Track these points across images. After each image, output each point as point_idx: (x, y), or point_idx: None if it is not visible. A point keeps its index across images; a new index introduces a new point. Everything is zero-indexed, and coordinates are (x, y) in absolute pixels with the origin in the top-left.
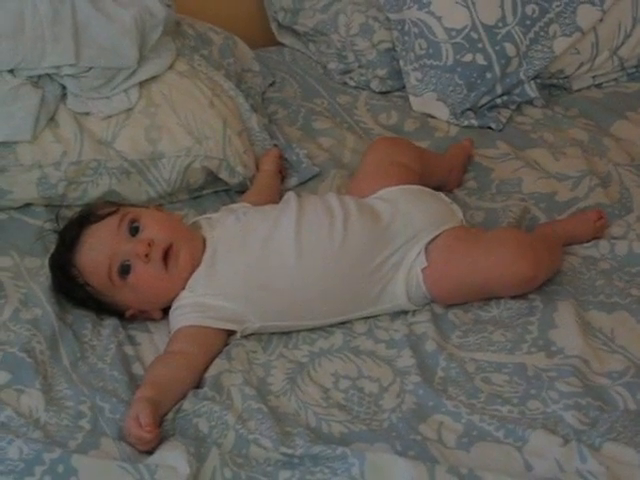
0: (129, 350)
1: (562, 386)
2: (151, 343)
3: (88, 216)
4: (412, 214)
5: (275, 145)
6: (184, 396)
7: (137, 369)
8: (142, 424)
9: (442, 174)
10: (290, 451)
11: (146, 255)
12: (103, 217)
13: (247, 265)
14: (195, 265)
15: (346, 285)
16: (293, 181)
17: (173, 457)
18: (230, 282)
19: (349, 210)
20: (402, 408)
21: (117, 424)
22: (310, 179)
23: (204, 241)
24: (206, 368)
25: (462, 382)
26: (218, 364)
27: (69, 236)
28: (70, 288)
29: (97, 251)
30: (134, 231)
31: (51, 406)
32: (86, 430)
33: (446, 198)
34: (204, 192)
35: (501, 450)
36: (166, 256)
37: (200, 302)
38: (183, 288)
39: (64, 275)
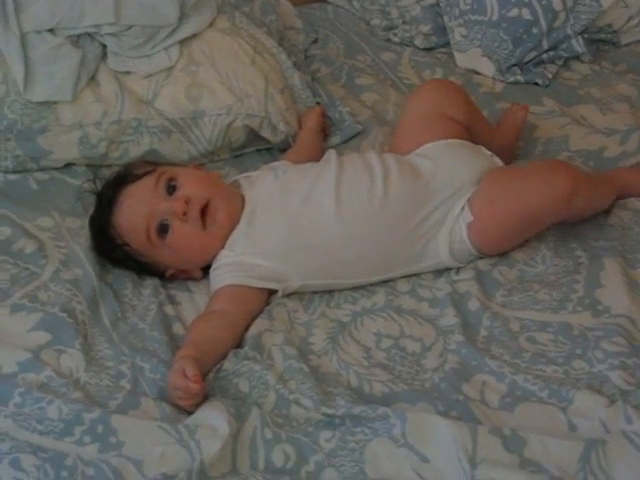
0: (170, 310)
1: (608, 346)
2: (192, 303)
3: (125, 176)
4: (454, 170)
5: (318, 103)
6: (225, 356)
7: (178, 329)
8: (189, 375)
9: (492, 147)
10: (331, 411)
11: (184, 213)
12: (140, 177)
13: (286, 223)
14: (234, 223)
15: (387, 243)
16: (336, 139)
17: (213, 417)
18: (269, 240)
19: (389, 168)
20: (445, 368)
21: (157, 384)
22: (353, 137)
23: (243, 199)
24: (247, 328)
25: (506, 341)
26: (259, 324)
27: (107, 197)
28: (109, 249)
29: (135, 211)
30: (171, 190)
31: (91, 366)
32: (126, 390)
33: (487, 152)
34: (245, 150)
35: (545, 411)
36: (204, 214)
37: (240, 261)
38: (222, 247)
39: (103, 236)
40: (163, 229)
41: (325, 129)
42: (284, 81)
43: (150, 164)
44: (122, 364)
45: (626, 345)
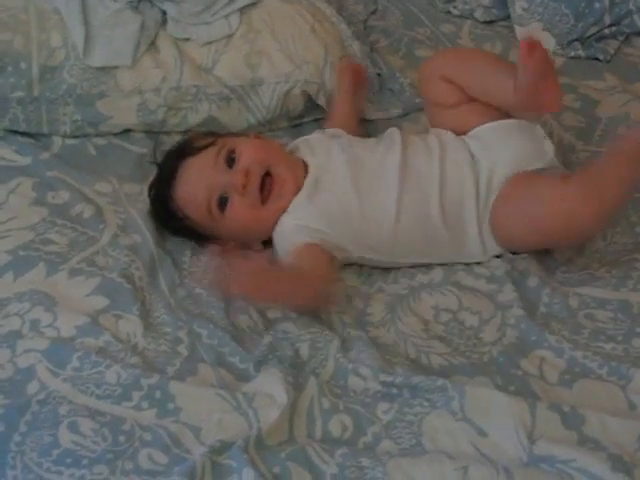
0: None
1: None
2: None
3: (185, 149)
4: (497, 155)
5: (378, 74)
6: None
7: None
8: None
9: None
10: (390, 379)
11: (243, 186)
12: (201, 149)
13: (352, 198)
14: (297, 191)
15: (440, 231)
16: (398, 110)
17: (271, 385)
18: (334, 211)
19: (447, 152)
20: (503, 342)
21: (215, 350)
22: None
23: (305, 166)
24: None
25: (565, 317)
26: None
27: (167, 170)
28: (170, 221)
29: (195, 184)
30: (231, 162)
31: (149, 332)
32: (184, 356)
33: (541, 132)
34: (304, 120)
35: (604, 388)
36: (264, 185)
37: (303, 225)
38: (285, 213)
39: (163, 209)
40: (223, 202)
41: (363, 86)
42: (343, 50)
43: (211, 135)
44: (179, 330)
45: None
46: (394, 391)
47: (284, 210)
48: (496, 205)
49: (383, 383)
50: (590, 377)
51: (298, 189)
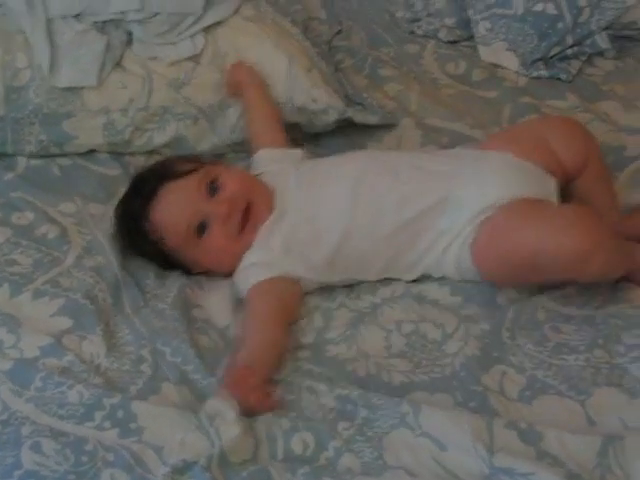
0: (191, 294)
1: (628, 339)
2: (216, 290)
3: (167, 172)
4: (485, 186)
5: (346, 96)
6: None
7: (197, 313)
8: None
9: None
10: (345, 392)
11: (227, 216)
12: (183, 174)
13: (308, 222)
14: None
15: (395, 245)
16: (373, 119)
17: (225, 407)
18: (289, 240)
19: (412, 185)
20: (466, 353)
21: (178, 368)
22: (375, 128)
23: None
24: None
25: (530, 330)
26: None
27: (146, 189)
28: (140, 242)
29: (177, 209)
30: (213, 190)
31: (112, 352)
32: (147, 375)
33: (551, 185)
34: None
35: (563, 404)
36: (244, 218)
37: (264, 261)
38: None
39: (136, 228)
40: (201, 229)
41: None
42: (309, 61)
43: (191, 161)
44: (143, 348)
45: None
46: (349, 407)
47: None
48: (482, 230)
49: (338, 397)
50: (549, 393)
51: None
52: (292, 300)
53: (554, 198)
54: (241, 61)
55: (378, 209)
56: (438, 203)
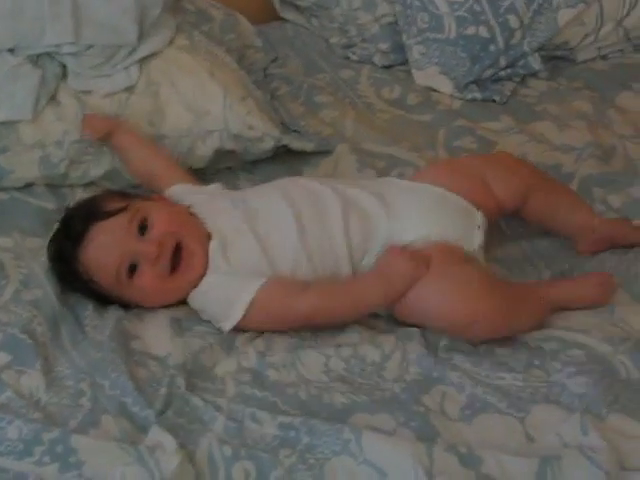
0: (129, 326)
1: (565, 358)
2: (154, 319)
3: (96, 211)
4: (406, 221)
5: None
6: None
7: (136, 345)
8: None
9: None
10: (288, 420)
11: (156, 257)
12: (112, 214)
13: (257, 245)
14: (206, 266)
15: (338, 273)
16: (309, 146)
17: (162, 434)
18: (243, 266)
19: (348, 206)
20: (405, 379)
21: (117, 400)
22: (311, 154)
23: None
24: None
25: (466, 350)
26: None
27: (75, 230)
28: (73, 281)
29: (107, 250)
30: (143, 229)
31: (52, 386)
32: (86, 408)
33: (478, 220)
34: (206, 172)
35: (503, 421)
36: (175, 256)
37: (233, 277)
38: (203, 275)
39: (67, 269)
40: (132, 269)
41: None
42: (245, 90)
43: (120, 197)
44: (82, 382)
45: (582, 355)
46: (292, 434)
47: (192, 282)
48: None
49: (281, 425)
50: (489, 411)
51: (207, 260)
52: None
53: (479, 229)
54: (92, 114)
55: (322, 236)
56: (361, 241)
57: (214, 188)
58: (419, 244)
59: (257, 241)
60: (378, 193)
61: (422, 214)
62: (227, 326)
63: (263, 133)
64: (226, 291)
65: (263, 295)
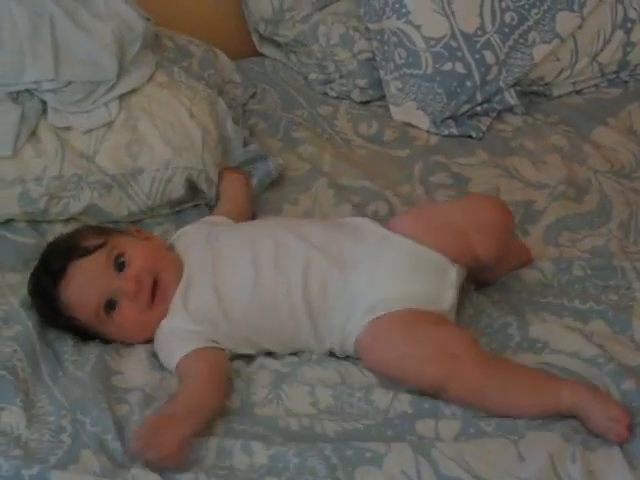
0: (110, 361)
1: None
2: (134, 354)
3: (75, 249)
4: (380, 280)
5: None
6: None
7: (117, 381)
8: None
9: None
10: (284, 449)
11: (135, 294)
12: (90, 251)
13: (214, 293)
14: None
15: (297, 330)
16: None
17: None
18: (198, 311)
19: (312, 260)
20: (395, 408)
21: (98, 437)
22: (290, 190)
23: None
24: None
25: None
26: None
27: (53, 268)
28: (52, 318)
29: (85, 288)
30: (121, 266)
31: (32, 423)
32: (67, 444)
33: (451, 278)
34: (185, 206)
35: (496, 443)
36: (152, 291)
37: (184, 328)
38: (164, 317)
39: (48, 307)
40: (111, 306)
41: (246, 191)
42: (219, 133)
43: (98, 233)
44: (63, 419)
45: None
46: (280, 465)
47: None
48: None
49: (273, 455)
50: (484, 437)
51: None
52: (221, 367)
53: (452, 288)
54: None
55: (277, 292)
56: (333, 294)
57: (219, 219)
58: (384, 306)
59: (214, 290)
60: (349, 250)
61: (391, 273)
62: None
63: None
64: (168, 345)
65: (182, 364)
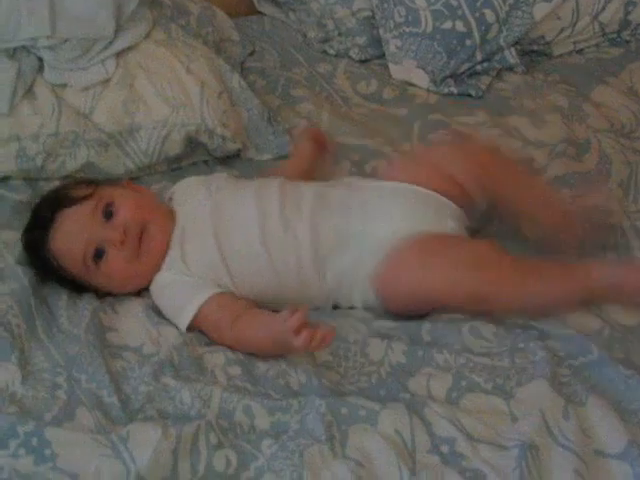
0: (104, 318)
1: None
2: (129, 311)
3: (63, 199)
4: (386, 218)
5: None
6: None
7: (112, 337)
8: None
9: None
10: (285, 417)
11: (121, 242)
12: (78, 201)
13: (215, 247)
14: (167, 246)
15: (304, 283)
16: (267, 156)
17: (145, 426)
18: (200, 264)
19: (316, 212)
20: (391, 362)
21: (94, 393)
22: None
23: (174, 218)
24: None
25: (449, 339)
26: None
27: (43, 219)
28: (44, 269)
29: (72, 237)
30: (109, 215)
31: (27, 379)
32: (62, 401)
33: (451, 216)
34: (183, 164)
35: (488, 402)
36: (139, 240)
37: (185, 280)
38: (159, 270)
39: (38, 257)
40: (98, 255)
41: (323, 153)
42: (222, 85)
43: (88, 185)
44: (58, 376)
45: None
46: (280, 429)
47: (154, 266)
48: (385, 265)
49: (273, 424)
50: (476, 391)
51: (167, 244)
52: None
53: (453, 220)
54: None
55: (284, 244)
56: (342, 239)
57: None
58: (392, 239)
59: (216, 243)
60: (352, 195)
61: (397, 211)
62: (181, 327)
63: (234, 134)
64: (176, 296)
65: (203, 312)
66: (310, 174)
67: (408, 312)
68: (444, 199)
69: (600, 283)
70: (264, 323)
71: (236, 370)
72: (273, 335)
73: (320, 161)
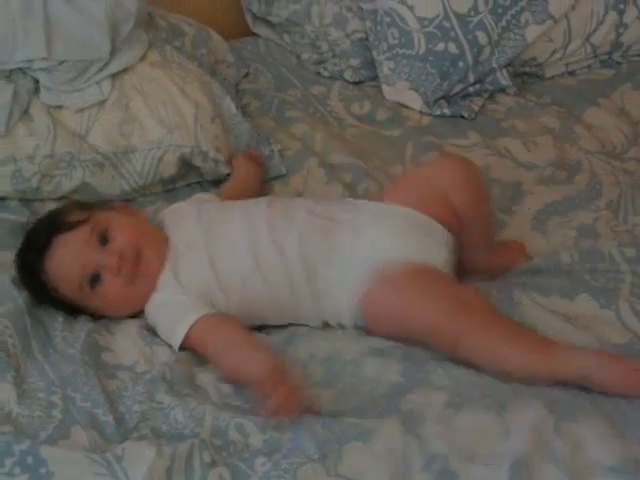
0: (100, 339)
1: None
2: (124, 330)
3: (59, 223)
4: (377, 241)
5: (258, 134)
6: None
7: (107, 357)
8: None
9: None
10: (276, 435)
11: (118, 268)
12: (74, 225)
13: (208, 268)
14: (162, 269)
15: (294, 297)
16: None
17: (140, 444)
18: (193, 284)
19: (307, 226)
20: (389, 379)
21: (88, 412)
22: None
23: (167, 241)
24: None
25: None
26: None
27: (38, 243)
28: (39, 292)
29: (69, 262)
30: (104, 241)
31: (23, 398)
32: (58, 420)
33: (442, 238)
34: (177, 185)
35: (481, 421)
36: (134, 265)
37: (179, 300)
38: (155, 291)
39: (33, 281)
40: (94, 280)
41: (260, 164)
42: (216, 109)
43: (83, 208)
44: (54, 395)
45: None
46: (273, 447)
47: (150, 290)
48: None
49: (266, 442)
50: (469, 408)
51: (162, 267)
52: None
53: (444, 248)
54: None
55: (273, 257)
56: (329, 251)
57: (206, 196)
58: (384, 263)
59: (210, 263)
60: (344, 216)
61: (390, 234)
62: (174, 347)
63: (226, 158)
64: (169, 316)
65: (194, 333)
66: (251, 192)
67: (392, 337)
68: (440, 226)
69: (580, 368)
70: (249, 362)
71: (228, 387)
72: (252, 378)
73: (259, 178)
